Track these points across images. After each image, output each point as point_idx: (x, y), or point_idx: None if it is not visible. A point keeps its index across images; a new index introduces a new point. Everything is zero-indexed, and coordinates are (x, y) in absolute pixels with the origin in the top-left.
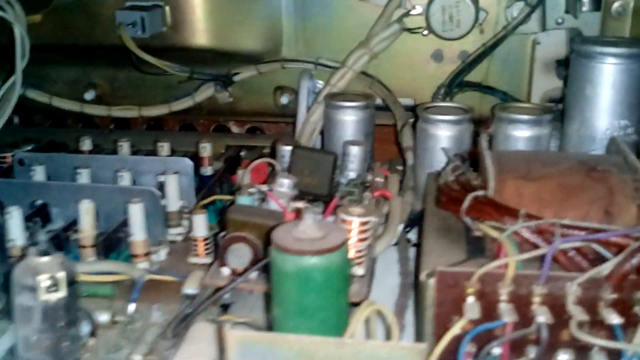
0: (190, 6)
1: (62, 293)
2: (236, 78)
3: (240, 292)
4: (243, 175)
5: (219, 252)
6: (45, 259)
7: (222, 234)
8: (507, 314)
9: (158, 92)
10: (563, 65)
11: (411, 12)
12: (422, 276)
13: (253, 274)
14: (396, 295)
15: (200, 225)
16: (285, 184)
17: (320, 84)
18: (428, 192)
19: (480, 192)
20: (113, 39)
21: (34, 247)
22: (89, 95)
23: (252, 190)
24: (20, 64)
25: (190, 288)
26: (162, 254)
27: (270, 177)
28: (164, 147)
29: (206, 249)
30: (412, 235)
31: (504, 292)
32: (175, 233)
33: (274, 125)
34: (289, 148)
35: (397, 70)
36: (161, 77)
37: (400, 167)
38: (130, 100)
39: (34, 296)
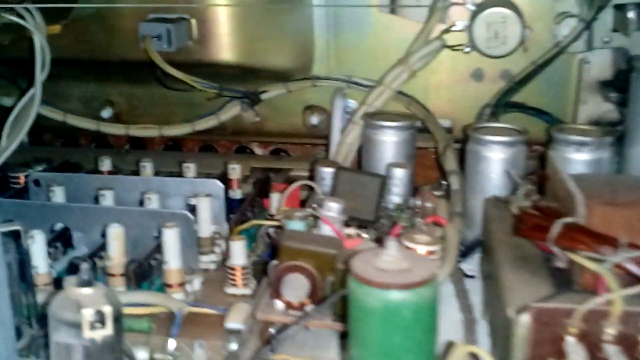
0: (216, 19)
1: (108, 330)
2: (264, 96)
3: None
4: (280, 199)
5: (271, 282)
6: (87, 290)
7: (273, 262)
8: (615, 357)
9: (179, 110)
10: (611, 87)
11: (452, 28)
12: (510, 312)
13: (309, 307)
14: (459, 332)
15: (239, 252)
16: (334, 209)
17: (352, 103)
18: (490, 219)
19: (569, 219)
20: (132, 54)
21: (72, 277)
22: (106, 113)
23: (300, 214)
24: (40, 76)
25: (234, 322)
26: (196, 284)
27: (309, 201)
28: (190, 168)
29: (244, 279)
30: (465, 266)
31: (609, 332)
32: (208, 261)
33: (299, 147)
34: (330, 170)
35: (433, 90)
36: (183, 95)
37: (437, 193)
38: (149, 118)
39: (75, 333)
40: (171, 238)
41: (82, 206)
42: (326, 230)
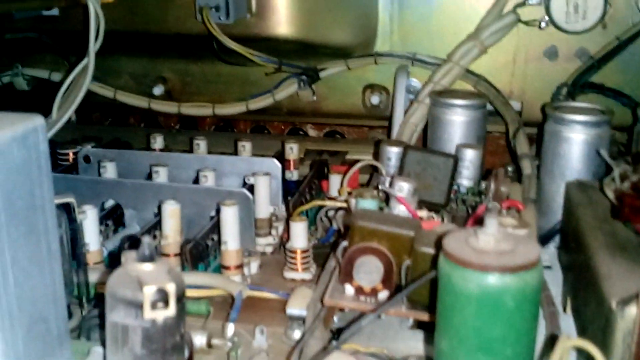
0: None
1: (170, 311)
2: (323, 74)
3: (352, 314)
4: (341, 181)
5: (342, 265)
6: (149, 266)
7: (343, 243)
8: None
9: (233, 88)
10: None
11: (528, 2)
12: (613, 304)
13: (382, 295)
14: (541, 326)
15: (300, 234)
16: (405, 189)
17: (415, 82)
18: (575, 204)
19: None
20: (187, 27)
21: (133, 251)
22: (158, 90)
23: (371, 193)
24: (93, 45)
25: (295, 308)
26: (253, 267)
27: (372, 182)
28: (246, 147)
29: (304, 263)
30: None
31: None
32: (265, 243)
33: (355, 129)
34: (397, 149)
35: (501, 69)
36: (238, 72)
37: None
38: (202, 97)
39: (134, 313)
40: (230, 217)
41: (136, 182)
42: (400, 211)
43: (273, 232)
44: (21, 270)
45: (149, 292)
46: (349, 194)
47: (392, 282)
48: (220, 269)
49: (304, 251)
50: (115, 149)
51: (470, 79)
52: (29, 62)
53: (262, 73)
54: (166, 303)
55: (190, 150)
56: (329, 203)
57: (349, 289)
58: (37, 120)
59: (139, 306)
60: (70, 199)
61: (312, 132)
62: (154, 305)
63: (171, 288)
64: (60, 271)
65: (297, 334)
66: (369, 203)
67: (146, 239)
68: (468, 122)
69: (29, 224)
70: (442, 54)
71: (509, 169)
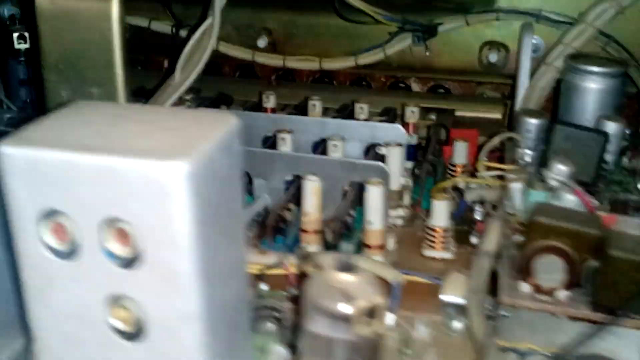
0: None
1: (380, 326)
2: (440, 29)
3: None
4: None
5: (521, 262)
6: (353, 278)
7: (515, 237)
8: None
9: (340, 41)
10: None
11: None
12: None
13: (562, 294)
14: None
15: (442, 213)
16: (562, 172)
17: (536, 40)
18: None
19: None
20: None
21: (327, 255)
22: (262, 42)
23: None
24: (218, 3)
25: (451, 295)
26: (391, 243)
27: (507, 153)
28: (364, 110)
29: (444, 242)
30: None
31: None
32: (394, 215)
33: (462, 84)
34: (538, 121)
35: (634, 30)
36: (347, 25)
37: None
38: (308, 49)
39: (340, 326)
40: (377, 196)
41: (266, 152)
42: (567, 199)
43: (403, 203)
44: (218, 272)
45: (360, 307)
46: (489, 168)
47: (573, 283)
48: (362, 247)
49: (445, 230)
50: (218, 103)
51: (600, 39)
52: (127, 9)
53: (372, 27)
54: (372, 317)
55: (295, 104)
56: (474, 181)
57: (525, 287)
58: (233, 121)
59: (345, 319)
60: None
61: (415, 87)
62: (363, 321)
63: (380, 304)
64: (246, 267)
65: (456, 324)
66: (541, 195)
67: (345, 247)
68: (606, 91)
69: (227, 227)
70: (571, 11)
71: None
